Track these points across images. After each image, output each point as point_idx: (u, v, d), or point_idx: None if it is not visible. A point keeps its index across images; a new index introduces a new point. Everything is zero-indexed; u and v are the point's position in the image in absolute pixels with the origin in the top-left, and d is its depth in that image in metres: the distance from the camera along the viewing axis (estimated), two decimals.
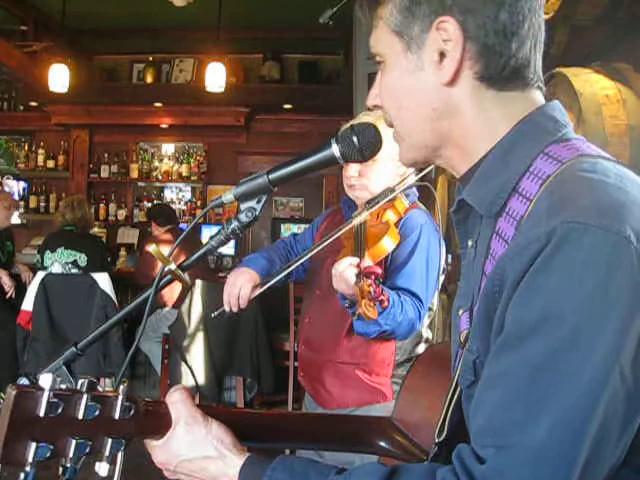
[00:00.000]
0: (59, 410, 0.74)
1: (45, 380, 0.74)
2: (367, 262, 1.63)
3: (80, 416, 0.76)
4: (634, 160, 1.72)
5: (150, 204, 6.60)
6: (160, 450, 0.86)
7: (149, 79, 6.62)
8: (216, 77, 5.11)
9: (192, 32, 5.93)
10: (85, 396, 0.77)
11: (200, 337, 4.13)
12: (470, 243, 0.86)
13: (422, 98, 0.82)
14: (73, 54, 5.82)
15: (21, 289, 4.50)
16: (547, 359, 0.65)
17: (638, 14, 2.03)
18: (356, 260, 1.64)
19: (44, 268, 4.41)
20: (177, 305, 4.43)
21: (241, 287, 1.86)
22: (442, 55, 0.79)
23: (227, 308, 1.87)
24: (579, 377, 0.64)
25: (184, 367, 4.10)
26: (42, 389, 0.74)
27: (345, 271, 1.61)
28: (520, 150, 0.78)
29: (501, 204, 0.78)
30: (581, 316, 0.64)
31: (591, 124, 1.75)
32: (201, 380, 4.10)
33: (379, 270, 1.59)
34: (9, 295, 4.48)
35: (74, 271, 4.42)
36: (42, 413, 0.73)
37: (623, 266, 0.64)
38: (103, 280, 4.31)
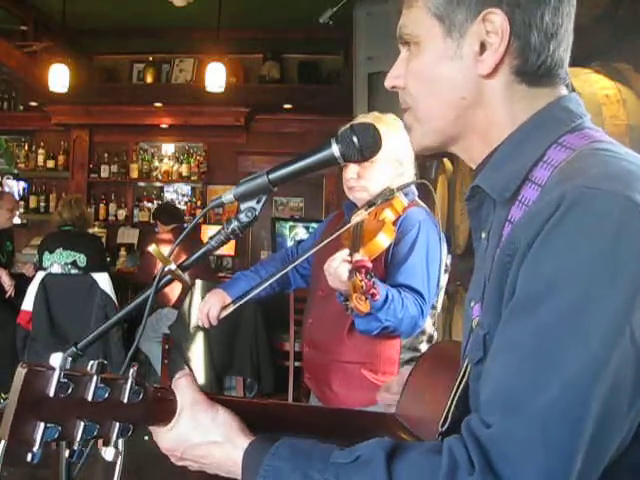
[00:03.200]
0: (69, 391, 0.72)
1: (55, 359, 0.72)
2: (358, 257, 1.64)
3: (89, 398, 0.74)
4: None
5: (150, 204, 6.61)
6: (166, 436, 0.84)
7: (149, 79, 6.61)
8: (216, 77, 5.11)
9: (192, 32, 5.92)
10: (95, 378, 0.75)
11: (200, 337, 4.13)
12: (483, 235, 0.86)
13: (454, 86, 0.81)
14: (73, 54, 5.81)
15: (21, 288, 4.50)
16: (555, 324, 0.64)
17: (638, 14, 2.03)
18: (346, 253, 1.66)
19: (43, 269, 4.40)
20: (177, 305, 4.43)
21: (210, 307, 2.04)
22: (483, 46, 0.78)
23: (200, 324, 2.09)
24: (587, 341, 0.63)
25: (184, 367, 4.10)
26: (52, 369, 0.72)
27: (338, 268, 1.63)
28: (534, 139, 0.79)
29: (514, 189, 0.78)
30: (590, 280, 0.64)
31: None
32: (201, 380, 4.10)
33: (369, 264, 1.61)
34: (9, 294, 4.48)
35: (74, 272, 4.42)
36: (52, 393, 0.71)
37: (632, 230, 0.64)
38: (103, 280, 4.31)
